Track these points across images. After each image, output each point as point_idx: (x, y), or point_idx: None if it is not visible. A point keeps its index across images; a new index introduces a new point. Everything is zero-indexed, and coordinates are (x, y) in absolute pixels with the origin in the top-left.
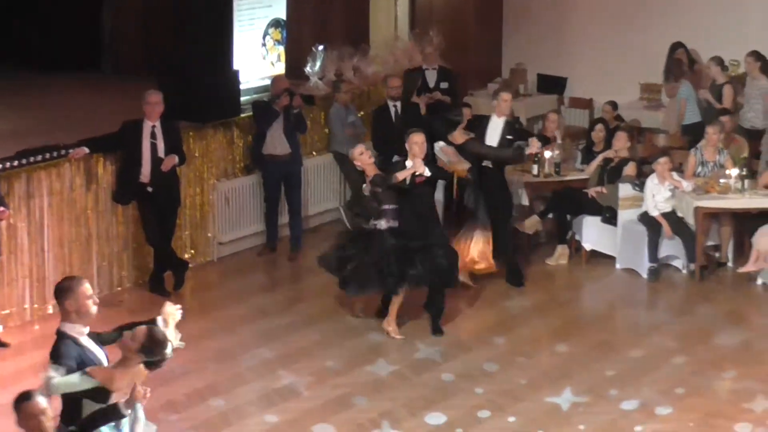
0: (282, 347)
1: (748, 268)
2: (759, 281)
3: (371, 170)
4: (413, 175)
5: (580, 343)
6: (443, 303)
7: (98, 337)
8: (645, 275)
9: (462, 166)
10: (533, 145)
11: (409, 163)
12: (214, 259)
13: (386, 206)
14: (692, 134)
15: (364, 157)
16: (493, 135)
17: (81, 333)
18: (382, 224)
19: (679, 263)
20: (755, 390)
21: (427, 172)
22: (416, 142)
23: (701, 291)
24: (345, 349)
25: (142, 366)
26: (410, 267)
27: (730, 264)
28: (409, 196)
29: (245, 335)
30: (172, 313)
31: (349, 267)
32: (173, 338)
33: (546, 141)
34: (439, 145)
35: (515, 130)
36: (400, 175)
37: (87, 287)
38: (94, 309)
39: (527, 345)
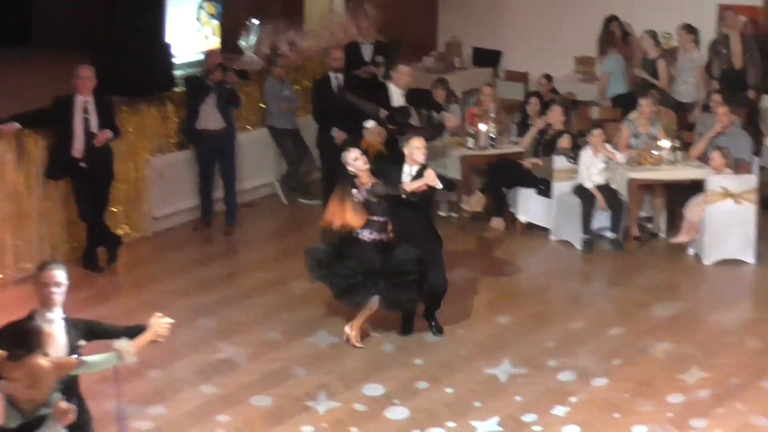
0: (219, 321)
1: (680, 239)
2: (690, 251)
3: (366, 177)
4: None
5: (517, 315)
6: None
7: None
8: (579, 247)
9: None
10: (449, 120)
11: (407, 168)
12: (148, 234)
13: (375, 218)
14: (622, 106)
15: (358, 163)
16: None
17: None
18: (366, 235)
19: (612, 234)
20: (689, 360)
21: (439, 185)
22: (417, 147)
23: (635, 262)
24: (283, 322)
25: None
26: (399, 290)
27: (662, 235)
28: (406, 209)
29: (181, 310)
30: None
31: (341, 277)
32: (127, 351)
33: (437, 107)
34: (370, 124)
35: (415, 99)
36: (409, 187)
37: (50, 274)
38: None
39: (465, 317)
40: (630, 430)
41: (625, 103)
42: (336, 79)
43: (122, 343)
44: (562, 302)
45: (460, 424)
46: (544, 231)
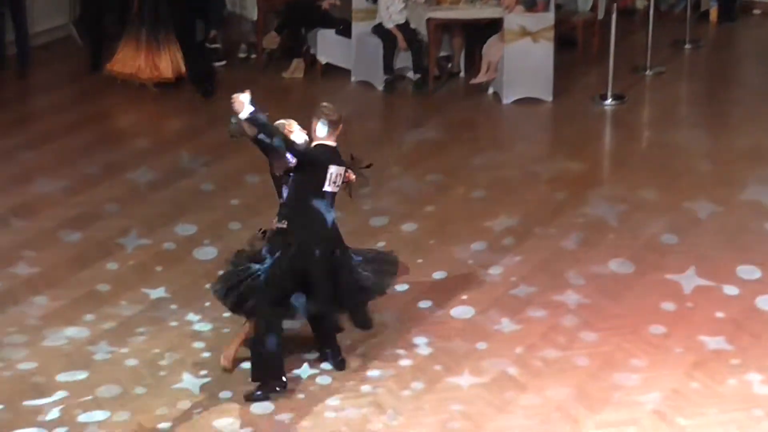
0: (16, 167)
1: (480, 78)
2: (490, 91)
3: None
4: None
5: None
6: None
7: None
8: (380, 87)
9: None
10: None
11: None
12: None
13: None
14: None
15: None
16: None
17: None
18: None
19: (412, 75)
20: (497, 211)
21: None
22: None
23: (435, 102)
24: (97, 160)
25: None
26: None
27: (462, 74)
28: None
29: None
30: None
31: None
32: None
33: None
34: None
35: None
36: None
37: None
38: None
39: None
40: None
41: None
42: None
43: None
44: (363, 144)
45: None
46: (345, 72)
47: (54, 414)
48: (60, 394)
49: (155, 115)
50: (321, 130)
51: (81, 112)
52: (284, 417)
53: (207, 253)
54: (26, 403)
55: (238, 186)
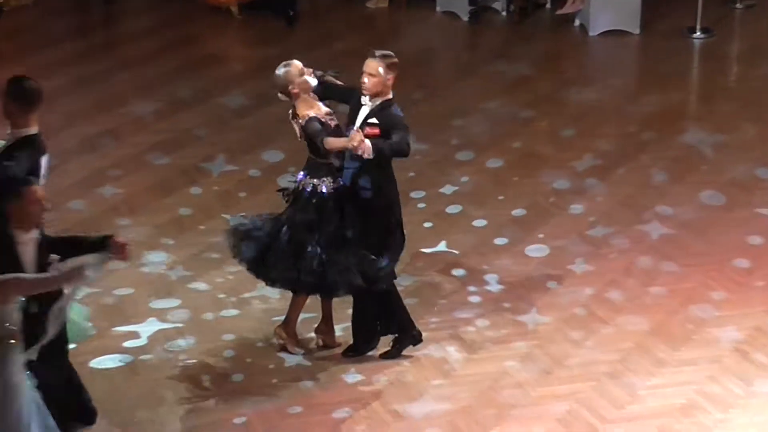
0: (106, 91)
1: (566, 9)
2: (576, 23)
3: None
4: None
5: (403, 87)
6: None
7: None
8: (465, 18)
9: None
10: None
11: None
12: (29, 2)
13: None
14: None
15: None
16: None
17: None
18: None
19: (498, 5)
20: (583, 146)
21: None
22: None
23: (520, 33)
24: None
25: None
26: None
27: (548, 6)
28: None
29: (61, 81)
30: None
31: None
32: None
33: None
34: None
35: None
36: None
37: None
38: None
39: None
40: (512, 209)
41: None
42: None
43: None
44: (446, 75)
45: None
46: (430, 2)
47: (141, 341)
48: (145, 321)
49: (241, 41)
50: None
51: (168, 38)
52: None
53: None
54: (114, 329)
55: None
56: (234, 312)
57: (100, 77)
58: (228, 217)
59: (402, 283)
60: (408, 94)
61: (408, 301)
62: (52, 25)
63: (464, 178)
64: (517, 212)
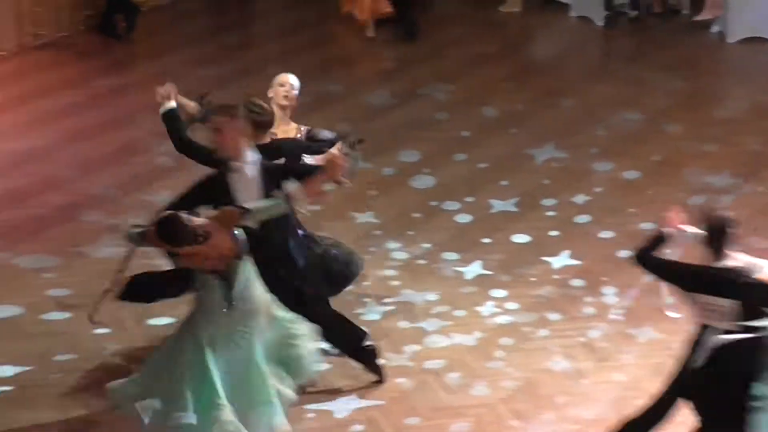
0: (231, 94)
1: (704, 15)
2: (714, 29)
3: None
4: None
5: (531, 90)
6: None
7: None
8: (600, 23)
9: None
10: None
11: None
12: (165, 2)
13: None
14: None
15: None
16: None
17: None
18: None
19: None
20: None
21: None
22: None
23: (656, 39)
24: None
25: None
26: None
27: (685, 12)
28: None
29: (198, 80)
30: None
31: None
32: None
33: None
34: None
35: None
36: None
37: None
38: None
39: (487, 91)
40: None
41: None
42: None
43: (291, 186)
44: (579, 80)
45: (478, 198)
46: (564, 6)
47: None
48: None
49: (378, 41)
50: None
51: (304, 38)
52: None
53: (424, 182)
54: None
55: (470, 117)
56: None
57: (236, 76)
58: None
59: (515, 291)
60: (540, 99)
61: (519, 309)
62: (188, 26)
63: (597, 188)
64: (646, 226)
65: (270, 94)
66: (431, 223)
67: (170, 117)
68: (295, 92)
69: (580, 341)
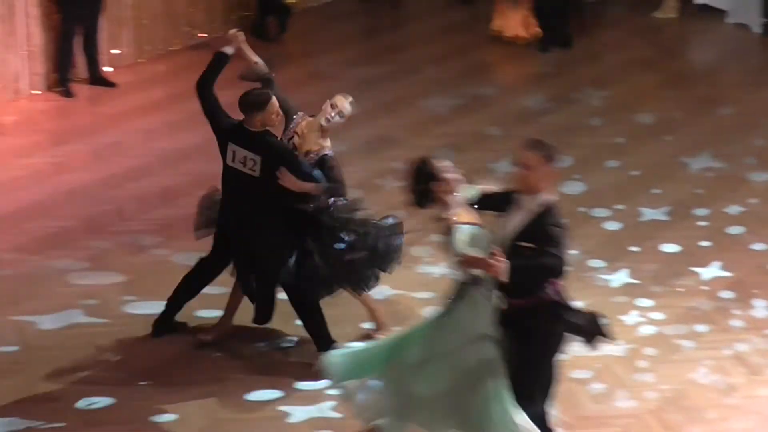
0: (383, 95)
1: None
2: None
3: None
4: None
5: (687, 97)
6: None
7: None
8: (757, 30)
9: None
10: None
11: None
12: (317, 4)
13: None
14: None
15: None
16: None
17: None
18: None
19: None
20: None
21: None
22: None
23: None
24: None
25: None
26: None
27: None
28: None
29: (349, 81)
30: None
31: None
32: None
33: None
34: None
35: None
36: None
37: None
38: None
39: (637, 97)
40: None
41: None
42: None
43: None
44: (735, 88)
45: (628, 206)
46: (719, 13)
47: None
48: None
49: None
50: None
51: (454, 43)
52: None
53: (574, 188)
54: None
55: (624, 123)
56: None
57: (387, 78)
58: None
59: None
60: (696, 106)
61: (666, 319)
62: (340, 27)
63: (753, 200)
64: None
65: (324, 106)
66: (579, 230)
67: (219, 59)
68: (341, 120)
69: (729, 354)
